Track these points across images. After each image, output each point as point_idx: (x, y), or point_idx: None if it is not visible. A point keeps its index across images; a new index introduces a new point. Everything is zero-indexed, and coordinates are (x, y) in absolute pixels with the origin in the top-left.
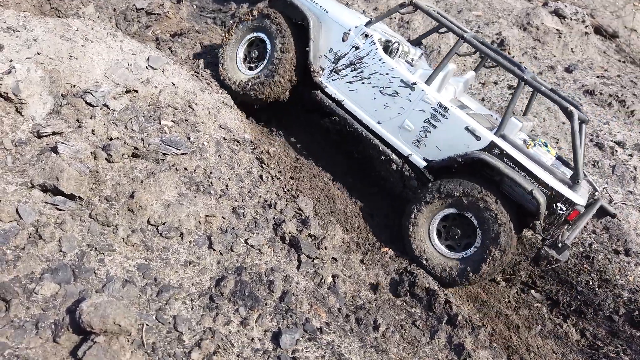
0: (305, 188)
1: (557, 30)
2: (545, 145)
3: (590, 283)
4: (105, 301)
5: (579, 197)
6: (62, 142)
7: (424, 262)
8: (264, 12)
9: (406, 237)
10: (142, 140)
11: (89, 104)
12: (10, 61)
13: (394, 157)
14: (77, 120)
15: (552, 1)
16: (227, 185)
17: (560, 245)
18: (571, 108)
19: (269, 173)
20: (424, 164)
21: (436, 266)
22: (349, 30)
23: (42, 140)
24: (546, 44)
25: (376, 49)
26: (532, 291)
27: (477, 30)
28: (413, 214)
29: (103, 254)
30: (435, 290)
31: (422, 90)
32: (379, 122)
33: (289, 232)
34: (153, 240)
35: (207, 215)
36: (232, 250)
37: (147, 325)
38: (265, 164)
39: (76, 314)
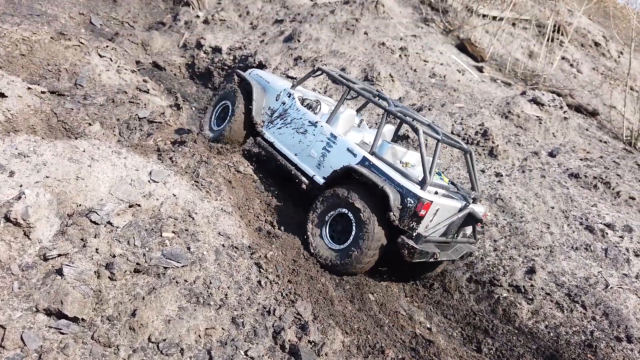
0: (304, 291)
1: (537, 117)
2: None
3: None
4: None
5: (425, 193)
6: (67, 265)
7: (316, 254)
8: (229, 87)
9: (305, 235)
10: (144, 255)
11: (94, 222)
12: (20, 186)
13: (303, 178)
14: (82, 239)
15: (530, 89)
16: (226, 295)
17: (415, 235)
18: (417, 125)
19: (267, 278)
20: (323, 180)
21: (324, 256)
22: (280, 91)
23: (48, 262)
24: (528, 130)
25: (295, 102)
26: None
27: (460, 122)
28: (310, 216)
29: None
30: None
31: (322, 126)
32: (295, 154)
33: (289, 340)
34: (153, 358)
35: (207, 328)
36: None
37: None
38: (263, 269)
39: None
